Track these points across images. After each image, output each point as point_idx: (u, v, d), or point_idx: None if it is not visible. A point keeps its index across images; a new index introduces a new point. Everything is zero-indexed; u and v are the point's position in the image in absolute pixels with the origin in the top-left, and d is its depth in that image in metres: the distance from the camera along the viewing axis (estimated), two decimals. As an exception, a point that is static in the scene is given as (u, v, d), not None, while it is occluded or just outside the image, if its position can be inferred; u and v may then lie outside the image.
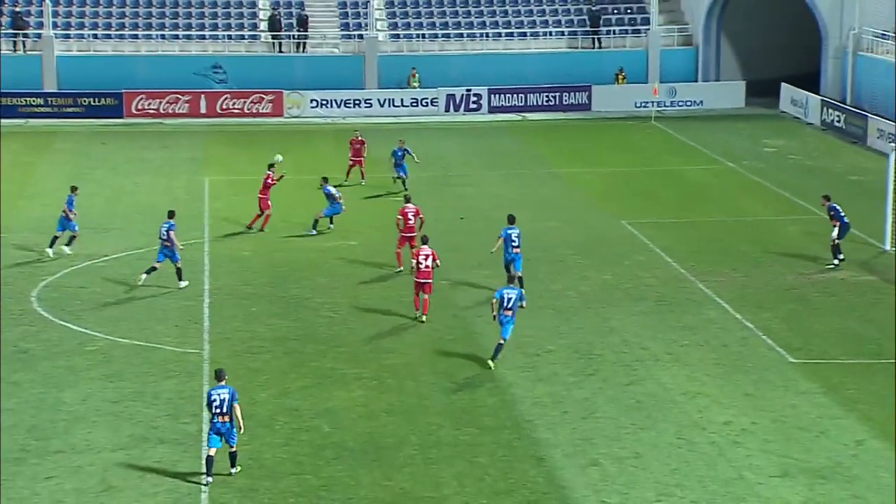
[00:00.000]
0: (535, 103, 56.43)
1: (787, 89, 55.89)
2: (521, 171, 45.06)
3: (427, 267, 28.59)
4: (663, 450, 21.92)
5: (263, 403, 23.57)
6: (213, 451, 20.77)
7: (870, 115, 49.81)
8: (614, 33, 59.33)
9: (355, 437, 22.47)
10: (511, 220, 30.35)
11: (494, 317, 25.76)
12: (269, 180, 36.30)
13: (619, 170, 45.49)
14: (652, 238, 35.66)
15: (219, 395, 20.80)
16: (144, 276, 30.70)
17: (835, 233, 32.75)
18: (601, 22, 59.30)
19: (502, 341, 25.68)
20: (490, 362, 25.74)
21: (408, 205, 32.55)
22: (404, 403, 24.04)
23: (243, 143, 50.16)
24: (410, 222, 32.03)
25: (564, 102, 56.66)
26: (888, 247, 34.49)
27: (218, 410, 20.72)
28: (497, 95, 56.32)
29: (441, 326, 28.35)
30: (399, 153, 39.76)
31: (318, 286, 31.32)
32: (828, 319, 28.96)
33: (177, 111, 54.69)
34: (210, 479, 20.72)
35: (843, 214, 32.92)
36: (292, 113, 55.34)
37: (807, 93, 54.32)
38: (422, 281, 28.68)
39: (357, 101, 55.71)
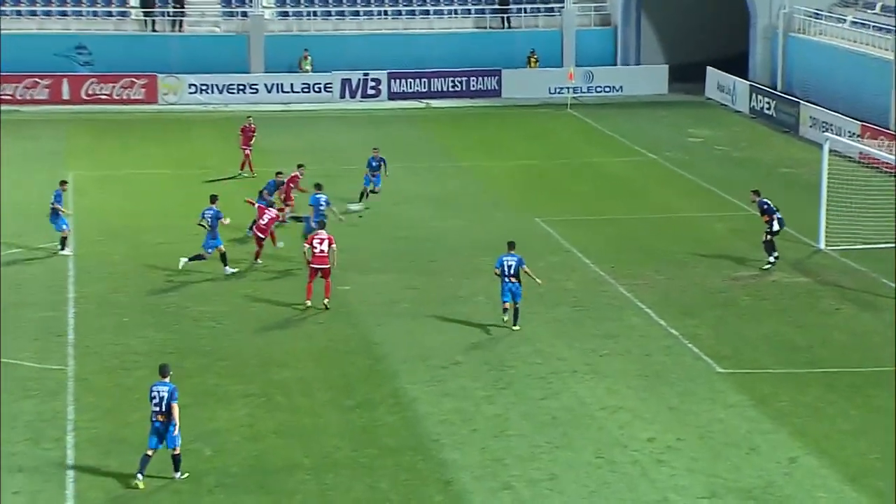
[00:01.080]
0: (439, 89, 56.59)
1: (713, 74, 56.73)
2: (424, 164, 45.13)
3: (322, 252, 29.22)
4: (581, 470, 22.10)
5: (137, 425, 23.24)
6: (149, 452, 21.17)
7: (802, 101, 50.76)
8: (525, 12, 59.73)
9: (240, 462, 22.32)
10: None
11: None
12: (293, 183, 36.14)
13: (531, 162, 45.79)
14: (567, 237, 35.96)
15: (158, 391, 21.27)
16: (229, 270, 32.04)
17: (775, 226, 33.00)
18: (511, -1, 59.76)
19: (517, 305, 28.28)
20: (514, 327, 28.31)
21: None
22: (296, 423, 23.94)
23: (112, 134, 49.56)
24: (263, 223, 32.46)
25: (472, 88, 56.91)
26: (822, 245, 35.14)
27: (157, 409, 21.17)
28: (398, 80, 56.36)
29: (337, 336, 28.30)
30: (374, 163, 39.49)
31: (198, 293, 31.06)
32: (758, 325, 29.43)
33: (35, 97, 53.92)
34: (141, 476, 20.96)
35: (775, 209, 33.35)
36: (168, 99, 54.84)
37: (734, 77, 55.19)
38: (317, 266, 29.38)
39: (241, 87, 55.39)
